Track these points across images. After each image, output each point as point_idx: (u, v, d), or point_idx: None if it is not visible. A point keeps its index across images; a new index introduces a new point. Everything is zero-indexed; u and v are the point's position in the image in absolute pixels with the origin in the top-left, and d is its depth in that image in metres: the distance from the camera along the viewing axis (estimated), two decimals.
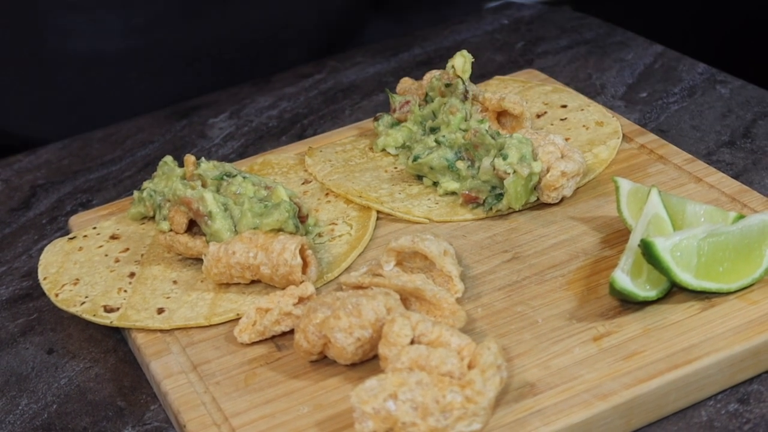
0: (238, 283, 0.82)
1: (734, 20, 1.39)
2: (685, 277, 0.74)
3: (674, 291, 0.76)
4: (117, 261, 0.86)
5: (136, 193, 0.90)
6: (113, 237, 0.89)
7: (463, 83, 0.95)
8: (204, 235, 0.84)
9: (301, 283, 0.79)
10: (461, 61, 0.97)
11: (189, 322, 0.79)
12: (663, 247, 0.73)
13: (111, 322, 0.80)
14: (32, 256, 0.94)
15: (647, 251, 0.74)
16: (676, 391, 0.70)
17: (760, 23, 1.40)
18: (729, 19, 1.38)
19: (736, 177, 0.91)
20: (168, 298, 0.81)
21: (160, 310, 0.80)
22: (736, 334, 0.72)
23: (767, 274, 0.76)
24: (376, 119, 0.98)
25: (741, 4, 1.40)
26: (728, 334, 0.72)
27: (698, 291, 0.75)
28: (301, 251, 0.80)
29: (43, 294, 0.85)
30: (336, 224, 0.88)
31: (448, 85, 0.95)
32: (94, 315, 0.81)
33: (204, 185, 0.86)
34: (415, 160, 0.90)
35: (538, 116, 1.00)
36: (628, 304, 0.76)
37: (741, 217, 0.78)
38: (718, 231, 0.76)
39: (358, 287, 0.77)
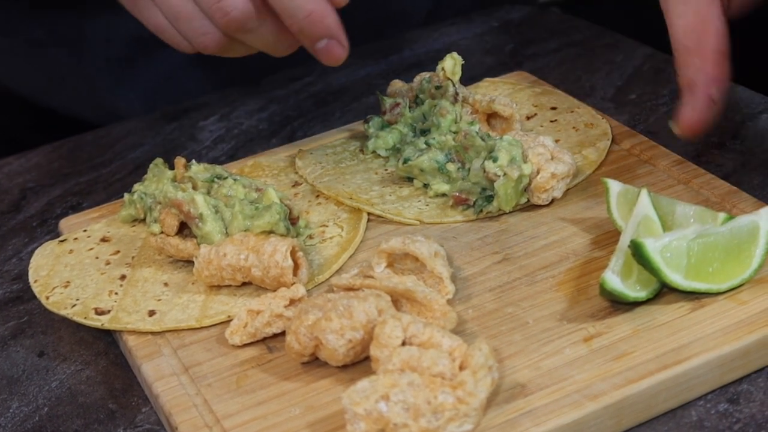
0: (229, 285, 0.82)
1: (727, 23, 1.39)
2: (675, 278, 0.74)
3: (664, 292, 0.76)
4: (108, 263, 0.86)
5: (126, 196, 0.90)
6: (104, 239, 0.89)
7: (453, 85, 0.95)
8: (195, 237, 0.84)
9: (292, 285, 0.79)
10: (451, 64, 0.97)
11: (180, 324, 0.79)
12: (653, 248, 0.74)
13: (102, 324, 0.80)
14: (22, 259, 0.94)
15: (637, 252, 0.74)
16: (666, 391, 0.70)
17: (748, 25, 1.40)
18: None
19: (725, 178, 0.92)
20: (159, 300, 0.81)
21: (151, 313, 0.80)
22: (726, 335, 0.72)
23: (757, 274, 0.76)
24: (367, 121, 0.98)
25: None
26: (718, 334, 0.73)
27: (688, 291, 0.75)
28: (292, 253, 0.80)
29: (34, 297, 0.85)
30: (327, 226, 0.88)
31: (438, 88, 0.95)
32: (85, 317, 0.81)
33: (195, 187, 0.86)
34: (405, 162, 0.91)
35: (528, 118, 1.00)
36: (619, 304, 0.76)
37: (730, 218, 0.79)
38: (708, 232, 0.76)
39: (349, 289, 0.77)
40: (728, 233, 0.76)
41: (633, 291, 0.75)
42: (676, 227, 0.79)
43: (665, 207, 0.80)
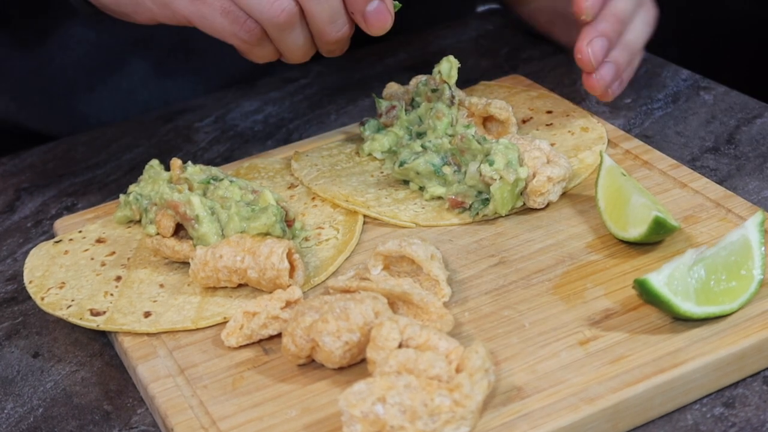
0: (225, 287, 0.82)
1: (717, 27, 1.40)
2: (688, 307, 0.73)
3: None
4: (103, 265, 0.86)
5: (122, 197, 0.90)
6: (99, 241, 0.89)
7: (450, 88, 0.95)
8: (191, 238, 0.84)
9: (288, 287, 0.79)
10: (447, 67, 0.97)
11: (176, 325, 0.79)
12: (658, 281, 0.73)
13: (97, 325, 0.80)
14: (17, 259, 0.94)
15: (643, 289, 0.74)
16: (662, 394, 0.70)
17: (742, 30, 1.41)
18: (712, 26, 1.38)
19: (720, 182, 0.92)
20: (155, 301, 0.81)
21: (147, 314, 0.80)
22: (721, 339, 0.73)
23: (762, 286, 0.76)
24: (363, 124, 0.98)
25: (724, 12, 1.41)
26: (713, 338, 0.73)
27: (702, 318, 0.74)
28: (289, 255, 0.80)
29: (29, 297, 0.85)
30: (323, 228, 0.88)
31: (434, 90, 0.96)
32: (81, 318, 0.80)
33: (191, 189, 0.86)
34: (401, 165, 0.91)
35: (524, 122, 1.00)
36: (615, 308, 0.76)
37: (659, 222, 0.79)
38: (704, 255, 0.76)
39: (346, 291, 0.77)
40: (724, 252, 0.76)
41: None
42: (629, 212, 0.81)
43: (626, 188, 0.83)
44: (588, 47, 0.93)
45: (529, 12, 1.09)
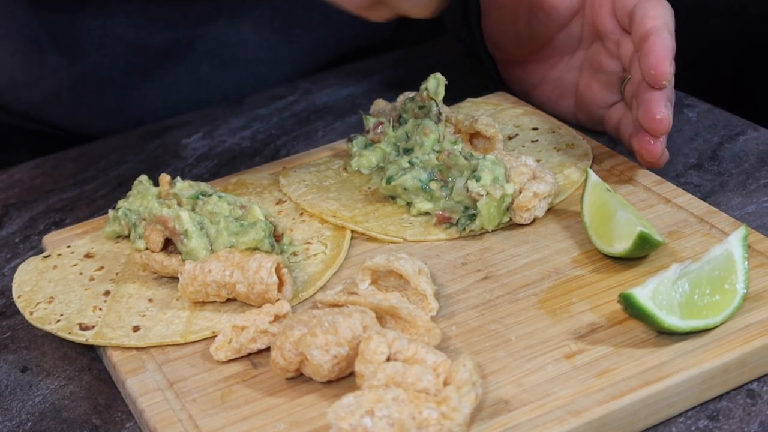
0: (214, 302, 0.82)
1: (701, 46, 1.41)
2: (672, 321, 0.74)
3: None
4: (92, 279, 0.86)
5: (110, 212, 0.91)
6: (88, 255, 0.90)
7: (437, 105, 0.96)
8: (180, 253, 0.84)
9: (276, 301, 0.79)
10: (434, 83, 0.98)
11: (165, 339, 0.79)
12: (643, 295, 0.74)
13: (86, 339, 0.80)
14: (5, 274, 0.94)
15: (628, 303, 0.74)
16: (647, 407, 0.71)
17: (726, 48, 1.43)
18: (696, 44, 1.40)
19: (704, 198, 0.93)
20: (143, 316, 0.82)
21: (136, 328, 0.80)
22: (706, 352, 0.73)
23: (745, 299, 0.77)
24: (350, 140, 0.99)
25: (707, 31, 1.43)
26: (698, 351, 0.73)
27: (687, 332, 0.74)
28: (277, 270, 0.81)
29: (17, 312, 0.85)
30: (311, 243, 0.89)
31: (421, 107, 0.96)
32: (70, 333, 0.81)
33: (180, 204, 0.87)
34: (388, 180, 0.91)
35: (510, 138, 1.01)
36: (601, 323, 0.77)
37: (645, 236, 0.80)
38: (688, 269, 0.76)
39: (334, 305, 0.77)
40: (708, 266, 0.77)
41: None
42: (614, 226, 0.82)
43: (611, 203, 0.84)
44: (665, 111, 0.90)
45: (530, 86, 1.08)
